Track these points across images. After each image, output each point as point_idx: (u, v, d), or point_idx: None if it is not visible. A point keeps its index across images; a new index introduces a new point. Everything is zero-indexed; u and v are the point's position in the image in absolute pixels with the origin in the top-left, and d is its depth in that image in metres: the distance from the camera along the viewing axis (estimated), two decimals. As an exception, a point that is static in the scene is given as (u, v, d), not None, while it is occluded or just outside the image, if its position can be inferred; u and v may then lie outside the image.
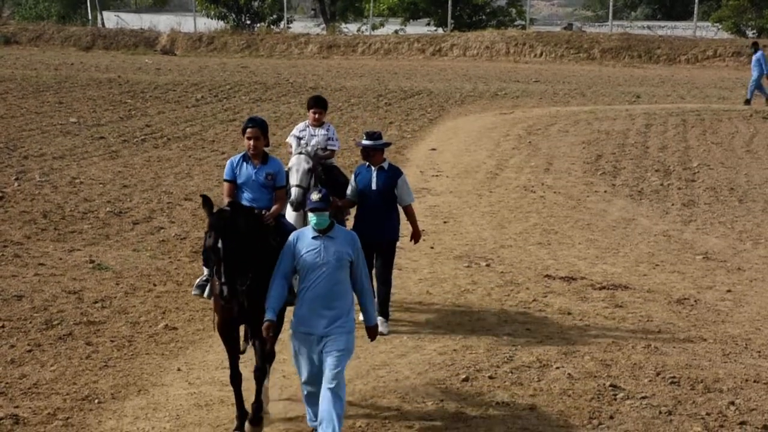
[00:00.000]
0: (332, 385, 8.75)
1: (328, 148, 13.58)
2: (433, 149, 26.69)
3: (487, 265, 15.81)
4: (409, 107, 34.62)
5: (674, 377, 11.07)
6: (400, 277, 14.99)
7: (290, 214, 12.38)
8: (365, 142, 12.57)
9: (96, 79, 39.40)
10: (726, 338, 12.62)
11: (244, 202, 9.95)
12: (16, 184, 20.51)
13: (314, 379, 8.99)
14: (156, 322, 12.84)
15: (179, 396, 10.51)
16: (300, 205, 12.34)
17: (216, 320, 9.53)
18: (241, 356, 9.70)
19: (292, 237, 9.00)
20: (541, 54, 54.96)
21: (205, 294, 10.12)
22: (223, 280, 8.80)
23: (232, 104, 34.15)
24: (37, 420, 9.81)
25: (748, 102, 34.94)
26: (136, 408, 10.21)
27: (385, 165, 12.58)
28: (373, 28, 64.02)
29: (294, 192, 12.42)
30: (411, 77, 44.92)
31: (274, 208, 10.16)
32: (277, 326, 9.18)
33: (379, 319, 12.33)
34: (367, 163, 12.59)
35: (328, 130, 13.74)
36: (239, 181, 10.23)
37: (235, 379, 9.49)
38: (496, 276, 15.24)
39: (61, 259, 15.60)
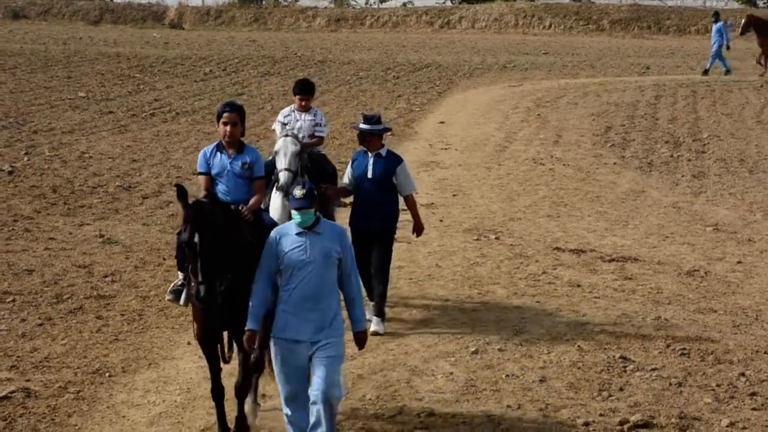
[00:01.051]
0: (324, 395, 7.88)
1: (316, 134, 12.78)
2: (442, 122, 26.66)
3: (497, 238, 15.80)
4: (417, 80, 34.56)
5: (684, 349, 11.07)
6: (410, 250, 15.00)
7: (275, 201, 11.79)
8: (362, 126, 11.58)
9: (104, 54, 39.39)
10: (736, 309, 12.61)
11: (220, 195, 9.14)
12: (25, 159, 20.53)
13: (298, 393, 8.08)
14: (166, 296, 12.85)
15: (189, 369, 10.54)
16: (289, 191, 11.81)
17: (195, 328, 8.79)
18: (225, 365, 8.97)
19: (273, 234, 8.14)
20: (550, 26, 54.80)
21: (181, 301, 9.30)
22: (200, 279, 7.93)
23: (241, 78, 34.11)
24: (48, 393, 9.85)
25: (706, 72, 34.74)
26: (146, 381, 10.25)
27: (383, 151, 11.62)
28: (381, 1, 63.84)
29: (283, 176, 11.67)
30: (419, 50, 44.83)
31: (252, 200, 9.28)
32: (264, 335, 8.36)
33: (375, 319, 11.61)
34: (365, 149, 11.66)
35: (315, 115, 12.83)
36: (213, 172, 9.34)
37: (217, 392, 8.76)
38: (506, 249, 15.23)
39: (71, 233, 15.63)
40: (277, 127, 12.66)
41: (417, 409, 9.52)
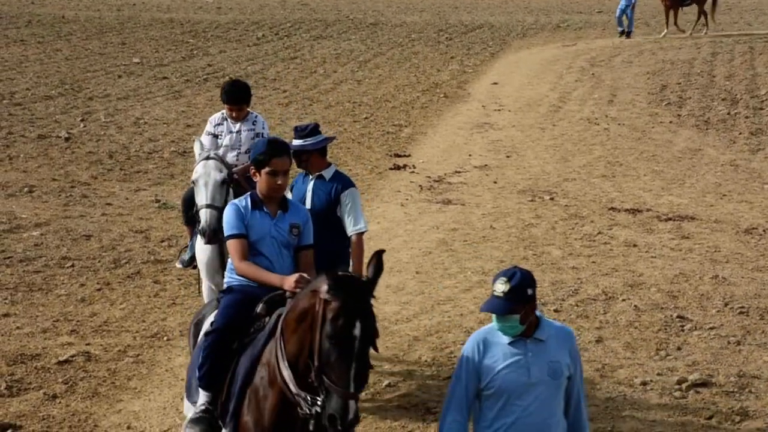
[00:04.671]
0: None
1: None
2: (495, 83, 26.50)
3: (551, 199, 15.73)
4: (470, 41, 34.37)
5: (743, 307, 10.98)
6: (464, 212, 14.98)
7: (201, 248, 9.16)
8: (294, 141, 8.58)
9: (158, 20, 39.54)
10: (795, 268, 12.48)
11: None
12: (82, 125, 20.71)
13: None
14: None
15: (247, 332, 10.61)
16: (215, 235, 8.60)
17: None
18: None
19: (474, 342, 5.78)
20: (604, -16, 54.13)
21: None
22: (352, 389, 5.54)
23: (293, 42, 34.10)
24: (108, 357, 9.99)
25: (628, 35, 33.45)
26: (204, 344, 10.34)
27: (328, 173, 8.68)
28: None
29: (204, 215, 8.72)
30: (472, 11, 44.53)
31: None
32: None
33: None
34: (305, 172, 8.76)
35: (255, 123, 9.82)
36: (252, 237, 6.78)
37: None
38: (561, 209, 15.15)
39: (127, 198, 15.78)
40: (204, 141, 9.57)
41: (473, 370, 9.52)
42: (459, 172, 17.56)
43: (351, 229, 8.53)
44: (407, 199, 15.77)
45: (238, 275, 6.79)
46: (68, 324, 10.77)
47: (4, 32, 34.35)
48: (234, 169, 9.20)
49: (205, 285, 9.28)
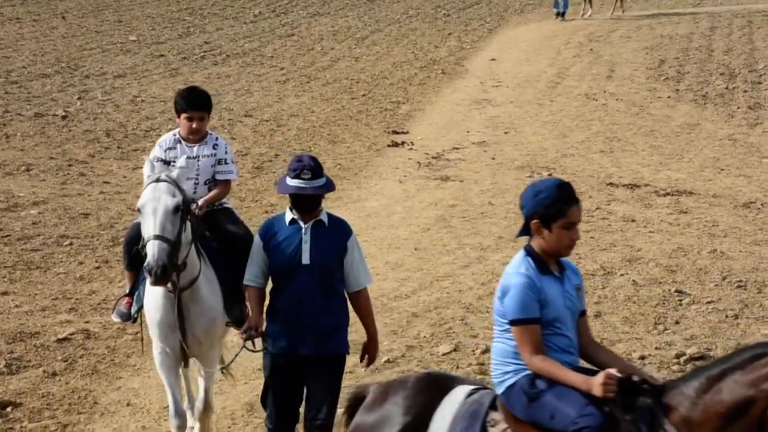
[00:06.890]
0: None
1: (218, 177, 7.87)
2: (493, 59, 26.45)
3: (550, 175, 15.71)
4: (468, 17, 34.29)
5: (741, 281, 11.00)
6: (462, 188, 14.97)
7: (152, 302, 7.33)
8: (292, 182, 6.69)
9: (154, -2, 39.42)
10: (793, 242, 12.49)
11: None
12: (78, 104, 20.67)
13: None
14: None
15: (245, 309, 10.62)
16: (164, 273, 6.70)
17: None
18: None
19: None
20: (601, -41, 54.00)
21: None
22: None
23: (290, 19, 34.01)
24: (107, 334, 10.00)
25: (563, 15, 32.81)
26: (203, 321, 10.35)
27: (324, 218, 6.81)
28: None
29: (152, 248, 6.72)
30: (469, -14, 44.42)
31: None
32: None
33: None
34: (291, 217, 6.77)
35: (216, 147, 7.83)
36: (549, 315, 5.39)
37: None
38: (559, 185, 15.13)
39: (125, 177, 15.76)
40: (148, 168, 7.19)
41: (472, 346, 9.55)
42: (457, 148, 17.55)
43: (356, 284, 6.83)
44: (405, 176, 15.76)
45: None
46: (67, 302, 10.78)
47: (0, 10, 34.24)
48: (198, 203, 7.50)
49: (156, 347, 7.45)
